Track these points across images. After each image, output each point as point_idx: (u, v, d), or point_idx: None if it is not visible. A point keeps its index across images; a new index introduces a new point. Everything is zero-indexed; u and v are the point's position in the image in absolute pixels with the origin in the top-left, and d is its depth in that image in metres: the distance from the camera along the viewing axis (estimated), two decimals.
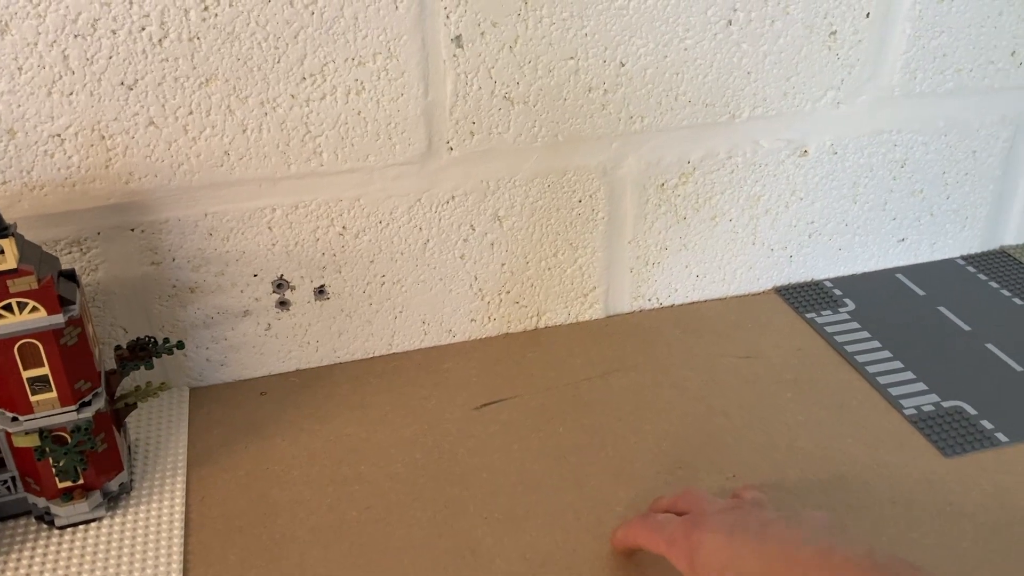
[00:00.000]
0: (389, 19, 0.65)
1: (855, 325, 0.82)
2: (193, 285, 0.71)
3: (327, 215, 0.71)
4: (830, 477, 0.65)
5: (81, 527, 0.62)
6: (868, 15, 0.76)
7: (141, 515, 0.63)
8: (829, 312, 0.84)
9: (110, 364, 0.69)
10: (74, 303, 0.57)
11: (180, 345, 0.67)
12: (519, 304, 0.81)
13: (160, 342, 0.67)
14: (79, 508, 0.61)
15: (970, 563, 0.59)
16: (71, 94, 0.61)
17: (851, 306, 0.85)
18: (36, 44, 0.59)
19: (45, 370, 0.57)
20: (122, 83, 0.62)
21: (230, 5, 0.61)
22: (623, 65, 0.72)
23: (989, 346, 0.79)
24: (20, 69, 0.60)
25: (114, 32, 0.60)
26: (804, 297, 0.86)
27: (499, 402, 0.74)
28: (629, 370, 0.77)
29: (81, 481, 0.61)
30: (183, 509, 0.63)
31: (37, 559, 0.59)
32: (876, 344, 0.80)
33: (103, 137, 0.63)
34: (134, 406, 0.65)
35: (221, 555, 0.60)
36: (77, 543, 0.61)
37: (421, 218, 0.74)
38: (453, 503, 0.64)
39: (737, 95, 0.76)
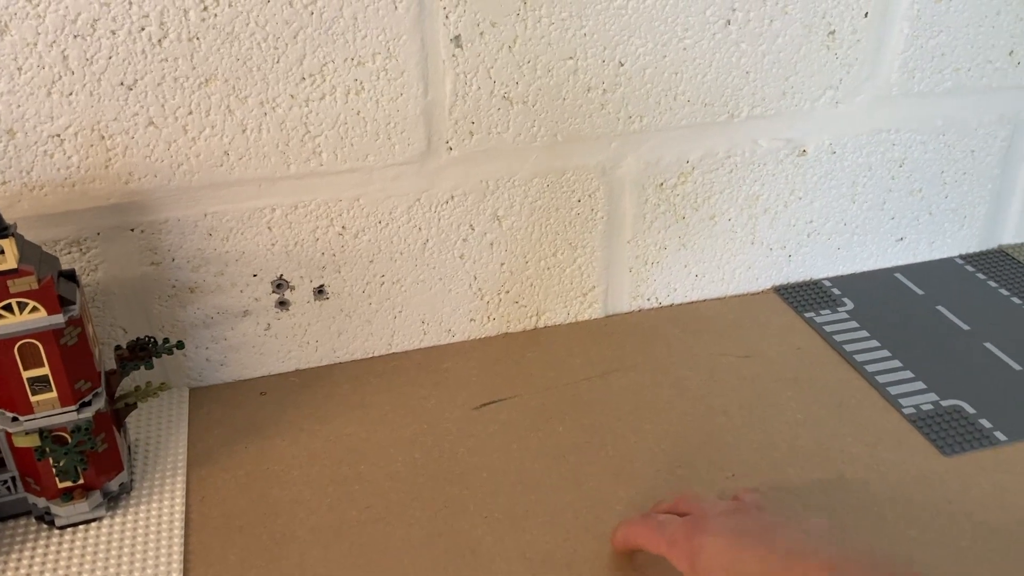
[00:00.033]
0: (388, 19, 0.65)
1: (854, 324, 0.83)
2: (193, 285, 0.71)
3: (326, 215, 0.71)
4: (829, 476, 0.66)
5: (81, 527, 0.62)
6: (866, 15, 0.76)
7: (141, 515, 0.63)
8: (828, 311, 0.84)
9: (110, 364, 0.69)
10: (74, 303, 0.57)
11: (180, 345, 0.67)
12: (518, 304, 0.81)
13: (160, 342, 0.67)
14: (79, 508, 0.61)
15: (969, 561, 0.59)
16: (71, 94, 0.61)
17: (850, 305, 0.85)
18: (36, 44, 0.59)
19: (45, 370, 0.57)
20: (122, 83, 0.62)
21: (229, 5, 0.61)
22: (622, 65, 0.72)
23: (988, 345, 0.80)
24: (20, 69, 0.60)
25: (114, 32, 0.60)
26: (803, 296, 0.87)
27: (499, 402, 0.74)
28: (628, 370, 0.77)
29: (81, 481, 0.61)
30: (183, 509, 0.63)
31: (37, 559, 0.59)
32: (875, 343, 0.80)
33: (103, 137, 0.63)
34: (134, 406, 0.65)
35: (221, 555, 0.60)
36: (77, 543, 0.61)
37: (420, 218, 0.74)
38: (453, 502, 0.64)
39: (736, 95, 0.76)
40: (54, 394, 0.58)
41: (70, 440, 0.59)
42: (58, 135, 0.62)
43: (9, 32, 0.58)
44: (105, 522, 0.62)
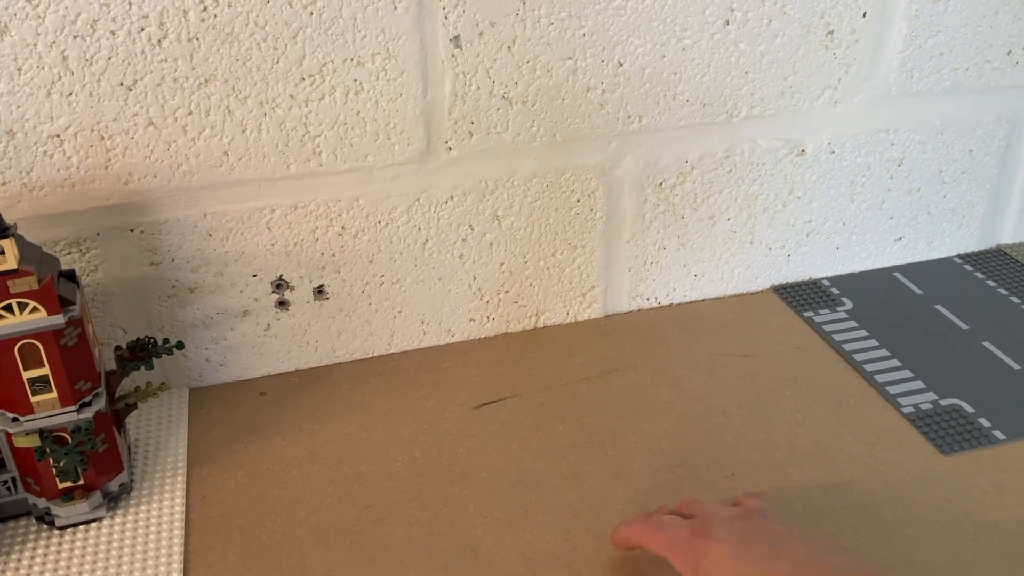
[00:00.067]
0: (388, 19, 0.65)
1: (853, 324, 0.83)
2: (192, 285, 0.71)
3: (326, 215, 0.71)
4: (829, 475, 0.66)
5: (81, 527, 0.62)
6: (865, 15, 0.76)
7: (141, 515, 0.63)
8: (827, 311, 0.85)
9: (110, 364, 0.69)
10: (74, 303, 0.57)
11: (180, 345, 0.67)
12: (518, 304, 0.81)
13: (160, 342, 0.67)
14: (79, 508, 0.61)
15: (968, 560, 0.59)
16: (70, 95, 0.61)
17: (849, 305, 0.85)
18: (35, 45, 0.59)
19: (45, 370, 0.57)
20: (121, 84, 0.62)
21: (229, 6, 0.61)
22: (621, 65, 0.72)
23: (986, 344, 0.80)
24: (19, 70, 0.60)
25: (113, 33, 0.60)
26: (802, 296, 0.87)
27: (498, 401, 0.74)
28: (628, 369, 0.77)
29: (81, 481, 0.61)
30: (183, 509, 0.63)
31: (38, 559, 0.59)
32: (874, 343, 0.80)
33: (102, 138, 0.63)
34: (134, 406, 0.65)
35: (221, 555, 0.60)
36: (78, 543, 0.61)
37: (420, 218, 0.74)
38: (453, 502, 0.64)
39: (735, 95, 0.76)
40: (54, 394, 0.58)
41: (70, 440, 0.59)
42: (58, 135, 0.62)
43: (9, 33, 0.58)
44: (105, 522, 0.62)
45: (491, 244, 0.77)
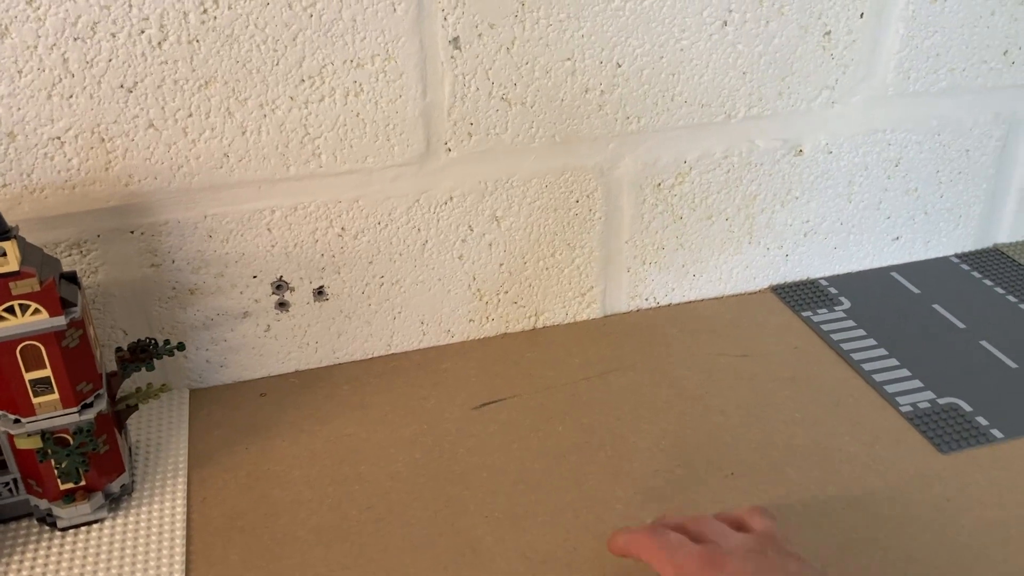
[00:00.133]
0: (387, 21, 0.65)
1: (851, 323, 0.83)
2: (193, 287, 0.71)
3: (326, 216, 0.71)
4: (827, 474, 0.66)
5: (83, 529, 0.62)
6: (862, 15, 0.77)
7: (143, 516, 0.63)
8: (825, 310, 0.85)
9: (111, 366, 0.69)
10: (76, 305, 0.57)
11: (181, 347, 0.67)
12: (517, 304, 0.81)
13: (160, 344, 0.67)
14: (81, 510, 0.61)
15: (967, 559, 0.59)
16: (71, 97, 0.61)
17: (847, 304, 0.86)
18: (36, 47, 0.59)
19: (47, 372, 0.57)
20: (122, 86, 0.62)
21: (229, 8, 0.61)
22: (620, 66, 0.72)
23: (983, 343, 0.80)
24: (20, 72, 0.60)
25: (114, 35, 0.60)
26: (800, 296, 0.87)
27: (498, 402, 0.74)
28: (627, 369, 0.78)
29: (83, 483, 0.61)
30: (184, 510, 0.64)
31: (39, 561, 0.60)
32: (872, 342, 0.80)
33: (103, 139, 0.63)
34: (135, 408, 0.65)
35: (223, 555, 0.60)
36: (79, 545, 0.61)
37: (419, 219, 0.74)
38: (453, 502, 0.64)
39: (733, 95, 0.77)
40: (56, 396, 0.58)
41: (72, 442, 0.59)
42: (58, 137, 0.62)
43: (9, 35, 0.58)
44: (107, 523, 0.62)
45: (490, 245, 0.77)
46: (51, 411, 0.58)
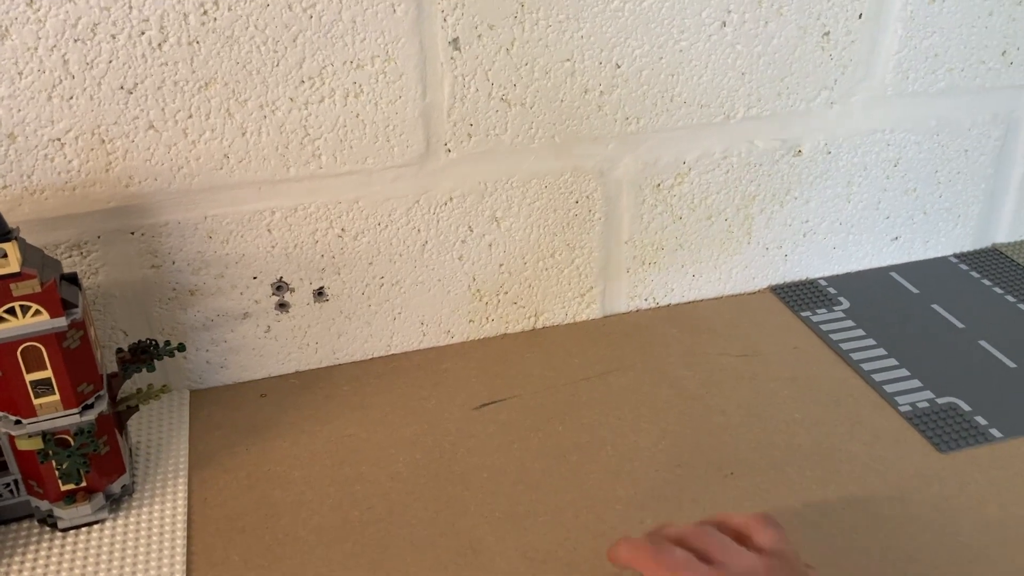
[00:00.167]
0: (387, 22, 0.65)
1: (850, 323, 0.83)
2: (193, 288, 0.71)
3: (326, 217, 0.71)
4: (827, 474, 0.66)
5: (84, 529, 0.62)
6: (860, 16, 0.77)
7: (144, 517, 0.63)
8: (824, 310, 0.85)
9: (111, 367, 0.69)
10: (76, 306, 0.57)
11: (181, 347, 0.67)
12: (517, 305, 0.81)
13: (161, 345, 0.67)
14: (82, 510, 0.61)
15: (966, 558, 0.59)
16: (71, 98, 0.61)
17: (846, 304, 0.86)
18: (36, 49, 0.59)
19: (48, 373, 0.57)
20: (122, 87, 0.62)
21: (229, 9, 0.62)
22: (619, 67, 0.73)
23: (982, 343, 0.80)
24: (20, 74, 0.60)
25: (114, 37, 0.60)
26: (799, 296, 0.87)
27: (498, 402, 0.74)
28: (627, 369, 0.78)
29: (84, 484, 0.61)
30: (185, 510, 0.64)
31: (40, 562, 0.60)
32: (871, 342, 0.80)
33: (103, 141, 0.63)
34: (136, 408, 0.65)
35: (224, 556, 0.60)
36: (80, 545, 0.61)
37: (419, 220, 0.74)
38: (454, 502, 0.64)
39: (732, 96, 0.77)
40: (57, 397, 0.58)
41: (73, 443, 0.59)
42: (59, 139, 0.63)
43: (10, 37, 0.58)
44: (108, 524, 0.62)
45: (490, 245, 0.77)
46: (52, 412, 0.58)
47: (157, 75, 0.62)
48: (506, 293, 0.80)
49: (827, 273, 0.90)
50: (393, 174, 0.72)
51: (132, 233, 0.68)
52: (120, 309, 0.70)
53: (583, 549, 0.60)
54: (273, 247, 0.71)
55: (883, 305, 0.86)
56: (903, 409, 0.72)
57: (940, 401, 0.73)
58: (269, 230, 0.71)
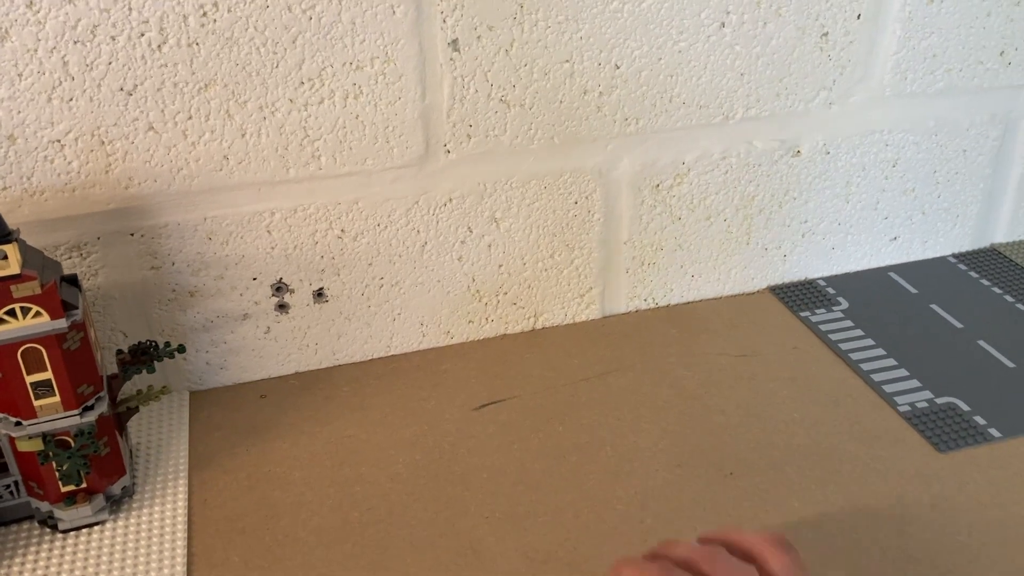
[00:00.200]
0: (386, 24, 0.65)
1: (849, 323, 0.83)
2: (192, 289, 0.71)
3: (326, 218, 0.72)
4: (826, 474, 0.66)
5: (84, 531, 0.62)
6: (859, 17, 0.77)
7: (144, 518, 0.63)
8: (823, 311, 0.85)
9: (111, 368, 0.69)
10: (76, 308, 0.57)
11: (181, 349, 0.67)
12: (516, 305, 0.81)
13: (161, 346, 0.68)
14: (82, 512, 0.61)
15: (965, 557, 0.59)
16: (71, 100, 0.62)
17: (844, 304, 0.86)
18: (36, 50, 0.59)
19: (48, 374, 0.57)
20: (121, 89, 0.62)
21: (229, 11, 0.62)
22: (618, 68, 0.73)
23: (981, 343, 0.80)
24: (20, 75, 0.60)
25: (113, 38, 0.60)
26: (798, 296, 0.87)
27: (498, 402, 0.74)
28: (626, 370, 0.78)
29: (84, 485, 0.61)
30: (185, 512, 0.64)
31: (41, 563, 0.60)
32: (870, 342, 0.81)
33: (103, 142, 0.64)
34: (136, 410, 0.65)
35: (224, 557, 0.60)
36: (80, 547, 0.61)
37: (419, 220, 0.74)
38: (454, 503, 0.64)
39: (731, 96, 0.77)
40: (57, 398, 0.58)
41: (73, 444, 0.59)
42: (58, 140, 0.63)
43: (10, 38, 0.58)
44: (108, 526, 0.63)
45: (489, 246, 0.77)
46: (52, 413, 0.58)
47: (157, 77, 0.62)
48: (505, 294, 0.80)
49: (826, 273, 0.90)
50: (392, 175, 0.72)
51: (132, 234, 0.68)
52: (120, 310, 0.71)
53: (583, 549, 0.60)
54: (273, 248, 0.72)
55: (882, 305, 0.86)
56: (902, 409, 0.72)
57: (939, 401, 0.73)
58: (269, 231, 0.71)
